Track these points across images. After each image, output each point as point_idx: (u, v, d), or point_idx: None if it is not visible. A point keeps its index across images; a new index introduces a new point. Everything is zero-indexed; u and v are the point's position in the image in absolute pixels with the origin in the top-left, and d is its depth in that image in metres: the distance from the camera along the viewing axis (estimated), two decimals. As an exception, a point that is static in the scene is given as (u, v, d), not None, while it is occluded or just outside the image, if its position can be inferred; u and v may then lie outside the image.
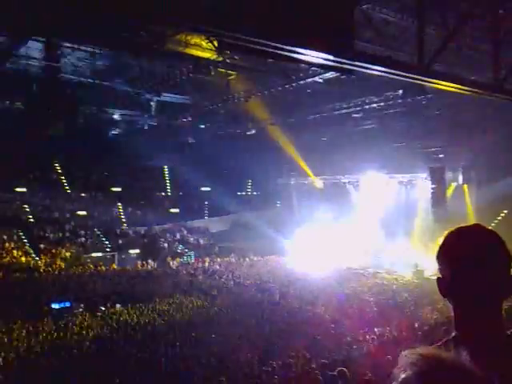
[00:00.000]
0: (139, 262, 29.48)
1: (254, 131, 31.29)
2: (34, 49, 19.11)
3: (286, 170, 39.27)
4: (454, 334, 1.42)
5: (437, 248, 1.46)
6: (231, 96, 23.89)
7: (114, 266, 28.36)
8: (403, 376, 1.06)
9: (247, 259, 32.18)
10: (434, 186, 27.50)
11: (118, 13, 6.38)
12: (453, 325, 1.43)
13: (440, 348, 1.40)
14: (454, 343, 1.40)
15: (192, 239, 34.89)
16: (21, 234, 27.98)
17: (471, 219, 25.74)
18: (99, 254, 29.18)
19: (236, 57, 17.46)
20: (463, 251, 1.39)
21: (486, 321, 1.37)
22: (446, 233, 1.47)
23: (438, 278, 1.45)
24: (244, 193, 42.02)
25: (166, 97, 24.96)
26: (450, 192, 28.50)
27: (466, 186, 28.70)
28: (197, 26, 5.78)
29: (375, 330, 14.66)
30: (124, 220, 33.88)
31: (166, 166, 38.96)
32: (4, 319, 17.25)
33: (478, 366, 1.19)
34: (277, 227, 34.20)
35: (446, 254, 1.43)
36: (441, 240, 1.46)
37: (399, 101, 22.14)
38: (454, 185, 28.93)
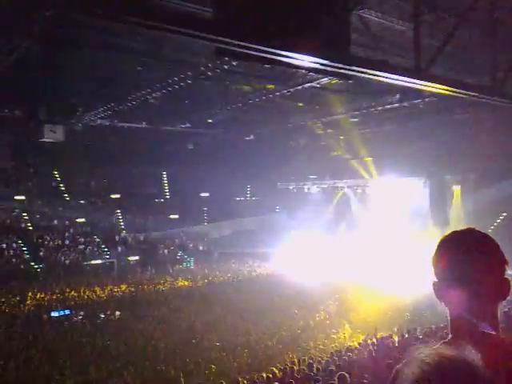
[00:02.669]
0: (139, 269, 29.44)
1: (252, 136, 31.34)
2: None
3: (285, 174, 39.18)
4: (450, 336, 1.42)
5: (432, 252, 1.48)
6: (230, 101, 23.93)
7: (114, 273, 28.31)
8: (416, 374, 1.06)
9: (247, 265, 32.13)
10: (432, 189, 27.47)
11: (115, 18, 6.40)
12: (449, 328, 1.44)
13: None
14: (449, 346, 1.40)
15: (191, 245, 34.85)
16: (20, 241, 27.93)
17: (469, 222, 25.72)
18: (98, 262, 29.14)
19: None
20: (457, 255, 1.40)
21: (481, 323, 1.37)
22: (440, 237, 1.48)
23: (434, 282, 1.46)
24: (243, 198, 42.00)
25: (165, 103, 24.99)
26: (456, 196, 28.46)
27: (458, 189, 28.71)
28: (194, 33, 5.78)
29: (376, 333, 14.65)
30: (123, 227, 33.84)
31: (165, 172, 38.95)
32: (3, 327, 17.21)
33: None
34: (276, 232, 34.20)
35: (440, 258, 1.45)
36: (435, 244, 1.48)
37: (396, 105, 22.18)
38: (455, 188, 28.91)
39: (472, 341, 1.37)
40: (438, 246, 1.47)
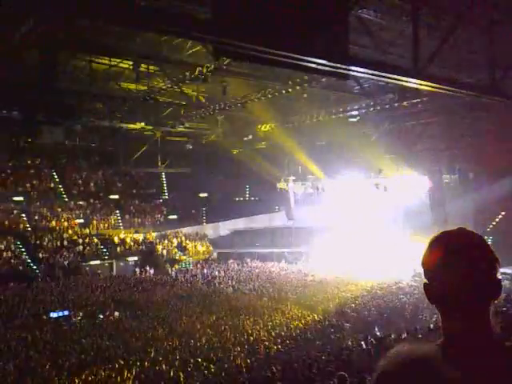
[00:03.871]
0: (137, 270, 29.40)
1: (250, 137, 31.33)
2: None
3: (284, 173, 39.05)
4: (442, 338, 1.41)
5: (423, 253, 1.46)
6: (228, 102, 23.91)
7: (113, 274, 28.26)
8: (374, 374, 1.13)
9: (246, 265, 32.10)
10: (431, 187, 27.45)
11: (117, 20, 6.42)
12: (441, 329, 1.42)
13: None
14: (441, 347, 1.39)
15: (190, 245, 34.79)
16: (18, 243, 27.86)
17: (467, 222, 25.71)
18: (97, 262, 29.08)
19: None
20: (448, 255, 1.39)
21: (472, 324, 1.36)
22: (430, 238, 1.46)
23: (425, 284, 1.44)
24: (242, 198, 41.92)
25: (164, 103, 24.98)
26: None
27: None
28: (197, 34, 5.79)
29: (375, 333, 14.66)
30: (122, 227, 33.77)
31: (163, 173, 38.90)
32: (2, 329, 17.18)
33: (459, 368, 1.18)
34: (275, 232, 34.17)
35: (430, 259, 1.43)
36: (426, 245, 1.46)
37: (395, 104, 22.18)
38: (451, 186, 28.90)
39: (461, 343, 1.36)
40: (428, 247, 1.45)
